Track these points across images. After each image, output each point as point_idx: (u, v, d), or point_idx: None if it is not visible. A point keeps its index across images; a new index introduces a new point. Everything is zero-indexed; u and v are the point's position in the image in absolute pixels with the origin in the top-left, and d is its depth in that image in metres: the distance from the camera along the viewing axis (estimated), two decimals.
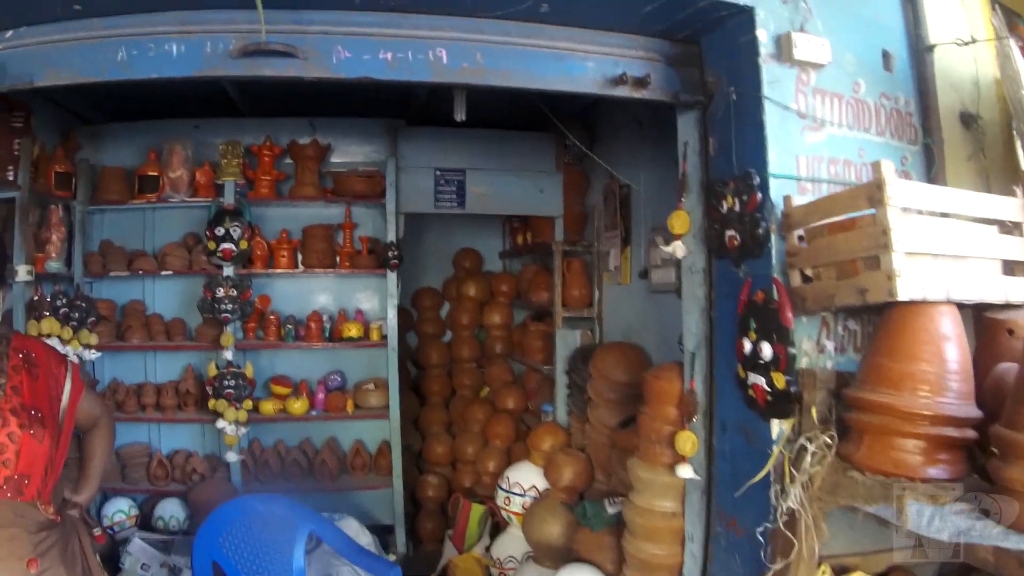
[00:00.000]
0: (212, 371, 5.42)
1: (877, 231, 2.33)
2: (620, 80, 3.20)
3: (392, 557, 5.41)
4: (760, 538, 2.79)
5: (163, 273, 5.59)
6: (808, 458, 2.57)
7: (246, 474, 5.56)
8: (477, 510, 5.54)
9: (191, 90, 4.89)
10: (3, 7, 2.80)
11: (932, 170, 3.20)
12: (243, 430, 5.45)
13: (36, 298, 4.85)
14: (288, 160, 5.86)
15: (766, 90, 2.90)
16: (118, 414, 5.35)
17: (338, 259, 5.86)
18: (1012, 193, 2.80)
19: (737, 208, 2.93)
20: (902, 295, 2.28)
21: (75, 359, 4.97)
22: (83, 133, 5.63)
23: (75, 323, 5.04)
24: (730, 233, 2.97)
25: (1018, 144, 3.31)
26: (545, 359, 5.68)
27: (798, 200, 2.80)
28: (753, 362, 2.83)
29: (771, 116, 2.89)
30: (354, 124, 6.03)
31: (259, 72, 3.02)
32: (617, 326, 5.17)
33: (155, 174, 5.51)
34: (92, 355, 5.21)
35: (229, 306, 5.38)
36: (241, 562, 3.82)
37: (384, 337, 5.75)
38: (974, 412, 2.29)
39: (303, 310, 5.97)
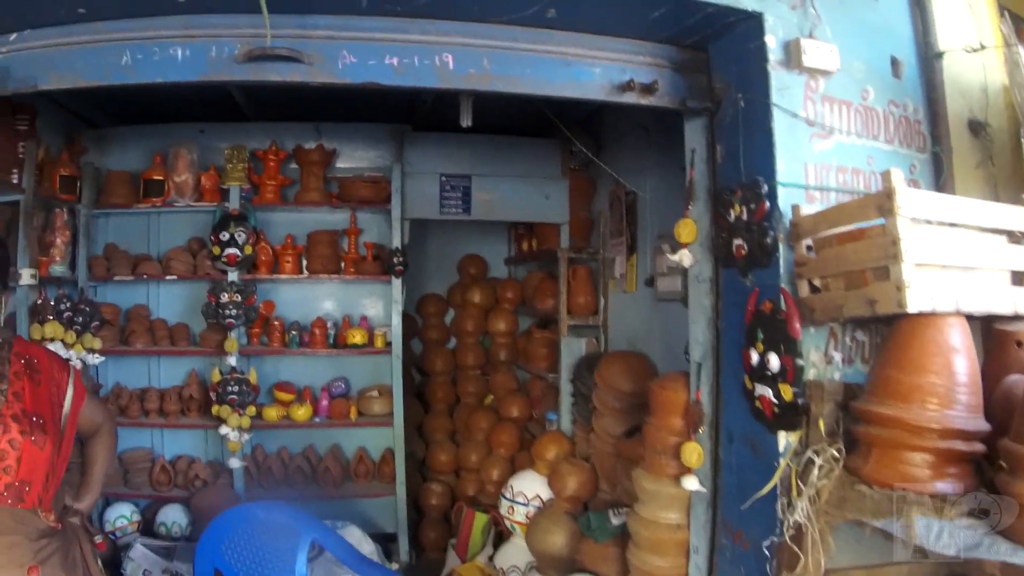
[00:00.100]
0: (216, 377, 5.41)
1: (887, 241, 2.30)
2: (627, 86, 3.18)
3: (395, 566, 5.39)
4: (766, 551, 2.75)
5: (167, 278, 5.58)
6: (815, 471, 2.54)
7: (249, 480, 5.54)
8: (480, 519, 5.51)
9: (196, 94, 4.89)
10: (7, 10, 2.79)
11: (941, 178, 3.18)
12: (246, 436, 5.43)
13: (40, 302, 4.83)
14: (293, 165, 5.86)
15: (775, 97, 2.87)
16: (121, 419, 5.35)
17: (343, 265, 5.85)
18: (1020, 202, 2.77)
19: (745, 217, 2.91)
20: (911, 307, 2.25)
21: (78, 363, 4.95)
22: (88, 136, 5.63)
23: (79, 327, 5.02)
24: (737, 242, 2.94)
25: None
26: (550, 367, 5.66)
27: (806, 209, 2.77)
28: (760, 373, 2.79)
29: (779, 123, 2.86)
30: (360, 129, 6.02)
31: (264, 77, 3.00)
32: (622, 334, 5.14)
33: (160, 178, 5.51)
34: (95, 359, 5.19)
35: (233, 311, 5.36)
36: (243, 570, 3.80)
37: (388, 344, 5.73)
38: (983, 425, 2.27)
39: (307, 316, 5.96)
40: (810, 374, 2.71)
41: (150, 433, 5.71)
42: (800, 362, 2.66)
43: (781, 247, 2.77)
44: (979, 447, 2.26)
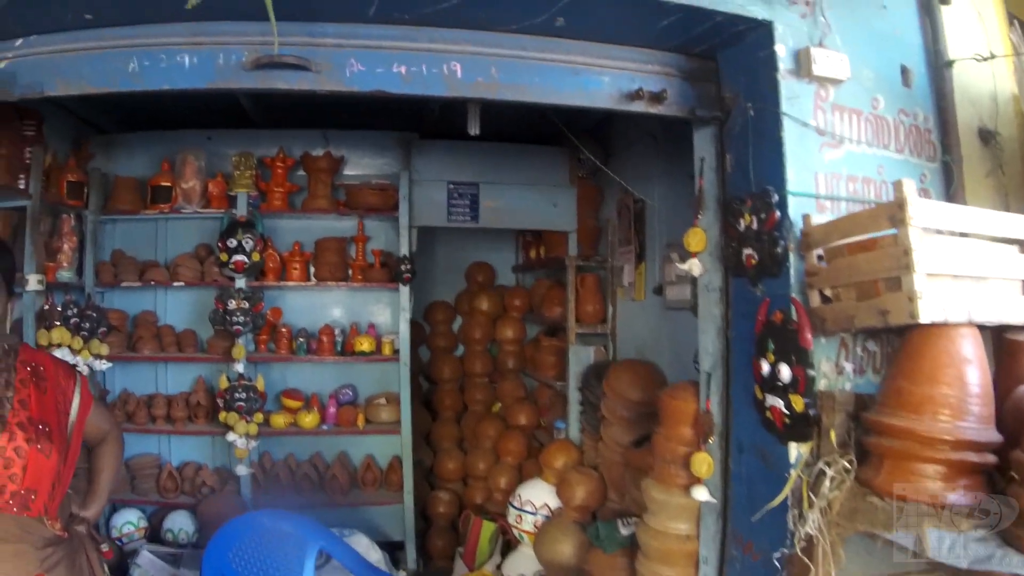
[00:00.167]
0: (223, 383, 5.42)
1: (899, 251, 2.29)
2: (636, 95, 3.17)
3: (402, 574, 5.40)
4: (776, 563, 2.73)
5: (175, 284, 5.59)
6: (827, 483, 2.53)
7: (256, 487, 5.53)
8: (488, 527, 5.50)
9: (204, 101, 4.89)
10: (13, 16, 2.78)
11: (951, 188, 3.16)
12: (254, 443, 5.43)
13: (47, 307, 4.84)
14: (301, 172, 5.87)
15: (784, 106, 2.86)
16: (128, 425, 5.36)
17: (350, 272, 5.85)
18: None
19: (755, 226, 2.89)
20: (924, 317, 2.24)
21: (85, 369, 4.97)
22: (96, 143, 5.66)
23: (86, 333, 5.03)
24: (747, 251, 2.93)
25: None
26: (558, 375, 5.64)
27: (817, 218, 2.76)
28: (771, 384, 2.78)
29: (790, 133, 2.85)
30: (367, 137, 6.03)
31: (272, 85, 2.99)
32: (631, 343, 5.12)
33: (168, 184, 5.52)
34: (102, 365, 5.21)
35: (241, 318, 5.37)
36: None
37: (396, 351, 5.73)
38: (995, 436, 2.27)
39: (315, 323, 5.96)
40: (821, 384, 2.69)
41: (157, 439, 5.72)
42: (811, 373, 2.64)
43: (792, 257, 2.76)
44: (991, 458, 2.25)
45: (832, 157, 2.92)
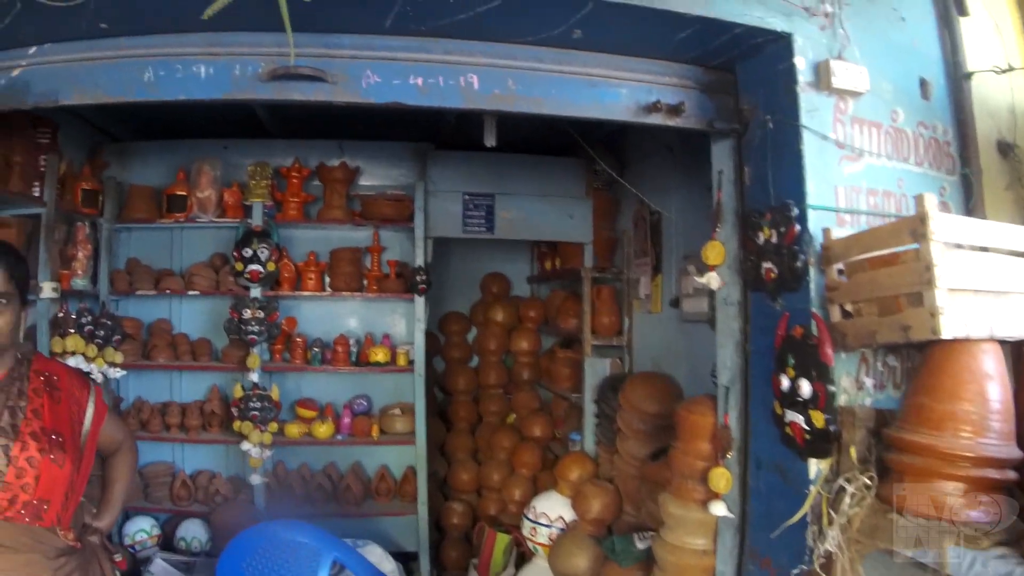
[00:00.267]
0: (238, 392, 5.41)
1: (920, 267, 2.27)
2: (654, 107, 3.16)
3: None
4: None
5: (190, 293, 5.59)
6: (847, 499, 2.51)
7: (269, 497, 5.52)
8: (502, 539, 5.47)
9: (220, 110, 4.90)
10: (26, 23, 2.77)
11: (971, 201, 3.15)
12: (268, 452, 5.42)
13: (61, 315, 4.84)
14: (316, 182, 5.88)
15: (804, 119, 2.85)
16: (142, 433, 5.37)
17: (365, 283, 5.84)
18: None
19: (774, 240, 2.87)
20: (946, 333, 2.24)
21: (99, 377, 4.98)
22: (110, 151, 5.69)
23: (100, 341, 5.03)
24: (767, 265, 2.91)
25: None
26: (573, 387, 5.61)
27: (837, 232, 2.75)
28: (791, 399, 2.76)
29: (809, 146, 2.84)
30: (383, 147, 6.03)
31: (288, 96, 3.00)
32: (647, 355, 5.10)
33: (183, 193, 5.53)
34: (117, 373, 5.21)
35: (256, 328, 5.37)
36: None
37: (411, 362, 5.72)
38: (1016, 453, 2.29)
39: (330, 333, 5.95)
40: (841, 400, 2.68)
41: (171, 447, 5.72)
42: (832, 388, 2.63)
43: (812, 271, 2.75)
44: (1012, 475, 2.26)
45: (852, 170, 2.91)
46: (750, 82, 3.18)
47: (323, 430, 5.61)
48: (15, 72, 2.97)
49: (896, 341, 2.42)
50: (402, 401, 5.91)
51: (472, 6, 2.76)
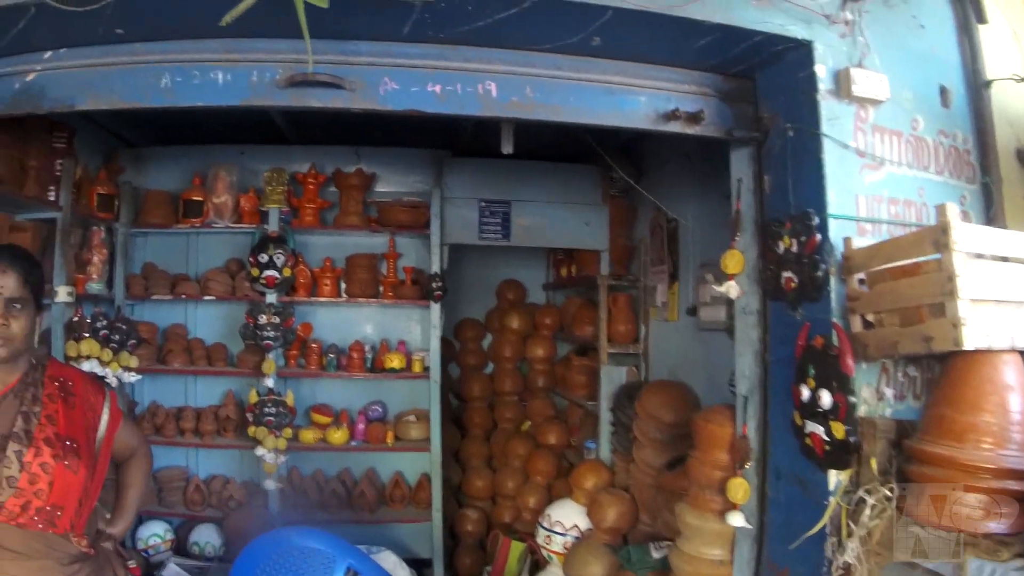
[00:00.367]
0: (253, 398, 5.42)
1: (943, 277, 2.26)
2: (672, 115, 3.15)
3: None
4: None
5: (205, 298, 5.62)
6: (867, 511, 2.49)
7: (284, 502, 5.52)
8: (517, 547, 5.46)
9: (236, 116, 4.92)
10: (41, 27, 2.77)
11: (991, 210, 3.14)
12: (282, 458, 5.42)
13: (76, 319, 4.84)
14: (333, 188, 5.89)
15: (825, 127, 2.84)
16: (156, 437, 5.40)
17: (381, 289, 5.85)
18: None
19: (795, 249, 2.85)
20: (968, 344, 2.23)
21: (114, 381, 4.98)
22: (126, 156, 5.71)
23: (115, 345, 5.03)
24: (787, 275, 2.89)
25: None
26: (588, 395, 5.60)
27: (858, 242, 2.73)
28: (811, 410, 2.73)
29: (830, 154, 2.82)
30: (399, 154, 6.04)
31: (305, 103, 3.00)
32: (664, 363, 5.08)
33: (199, 199, 5.56)
34: (132, 378, 5.21)
35: (271, 333, 5.38)
36: None
37: (426, 369, 5.72)
38: None
39: (345, 339, 5.96)
40: (861, 411, 2.65)
41: (185, 452, 5.74)
42: (853, 399, 2.60)
43: (833, 281, 2.73)
44: None
45: (873, 179, 2.89)
46: (770, 90, 3.17)
47: (338, 436, 5.61)
48: (30, 77, 2.98)
49: (918, 352, 2.40)
50: (417, 408, 5.90)
51: (490, 13, 2.76)
